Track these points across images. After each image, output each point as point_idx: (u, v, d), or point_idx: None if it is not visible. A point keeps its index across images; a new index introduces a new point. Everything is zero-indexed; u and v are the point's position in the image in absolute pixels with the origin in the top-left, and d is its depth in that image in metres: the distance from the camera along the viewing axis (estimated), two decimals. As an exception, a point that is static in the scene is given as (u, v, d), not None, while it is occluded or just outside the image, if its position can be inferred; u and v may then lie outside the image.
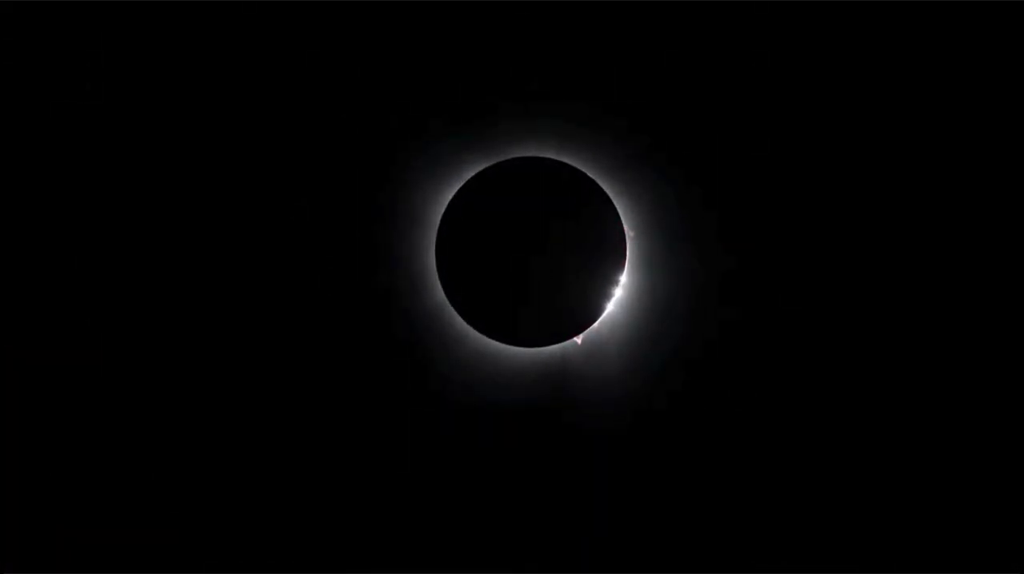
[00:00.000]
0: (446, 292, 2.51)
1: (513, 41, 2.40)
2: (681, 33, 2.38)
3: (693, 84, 2.40)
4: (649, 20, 2.37)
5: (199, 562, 2.47)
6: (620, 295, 2.51)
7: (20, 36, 2.40)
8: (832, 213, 2.41)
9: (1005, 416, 2.41)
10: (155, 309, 2.46)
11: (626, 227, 2.49)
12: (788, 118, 2.40)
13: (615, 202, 2.49)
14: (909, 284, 2.41)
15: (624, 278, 2.50)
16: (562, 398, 2.50)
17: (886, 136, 2.40)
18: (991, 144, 2.39)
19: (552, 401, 2.50)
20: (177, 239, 2.45)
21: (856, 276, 2.42)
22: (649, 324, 2.48)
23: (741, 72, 2.39)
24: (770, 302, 2.43)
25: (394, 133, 2.46)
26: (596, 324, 2.51)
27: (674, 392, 2.47)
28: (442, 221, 2.51)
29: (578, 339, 2.52)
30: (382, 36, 2.40)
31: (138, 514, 2.48)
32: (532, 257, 2.49)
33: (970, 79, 2.38)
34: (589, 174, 2.49)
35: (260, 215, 2.46)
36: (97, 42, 2.41)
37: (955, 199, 2.40)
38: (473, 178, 2.51)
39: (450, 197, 2.51)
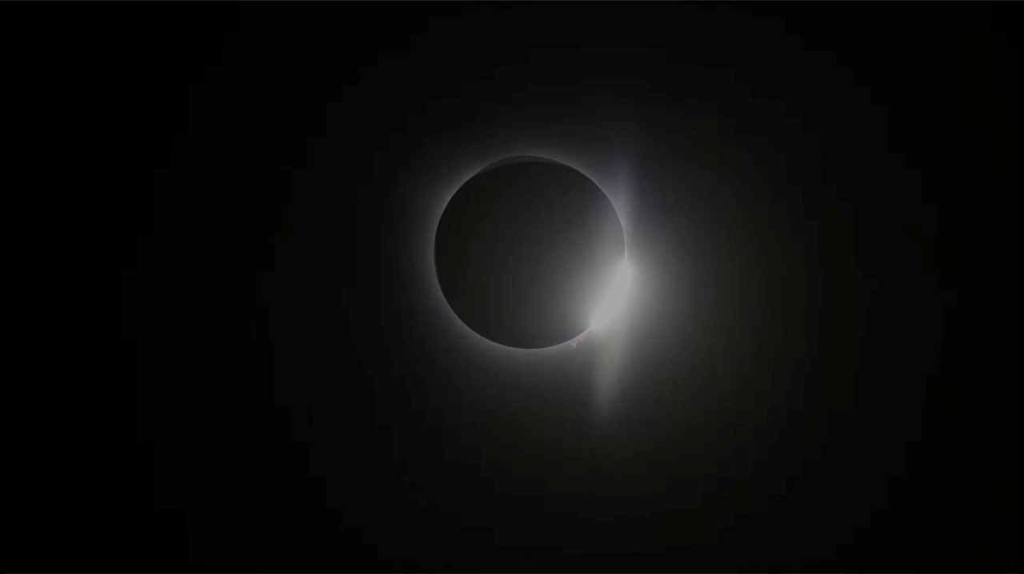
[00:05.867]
0: (444, 293, 2.51)
1: (513, 40, 2.41)
2: (680, 31, 2.40)
3: (691, 81, 2.41)
4: (647, 19, 2.39)
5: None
6: (619, 295, 2.51)
7: None
8: (833, 211, 2.44)
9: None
10: (149, 309, 2.42)
11: (624, 228, 2.50)
12: (786, 115, 2.42)
13: (613, 203, 2.50)
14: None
15: (623, 278, 2.51)
16: (562, 400, 2.50)
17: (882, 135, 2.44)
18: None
19: (552, 403, 2.50)
20: (172, 238, 2.42)
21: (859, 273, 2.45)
22: (649, 325, 2.49)
23: (737, 68, 2.41)
24: (772, 301, 2.44)
25: (392, 132, 2.45)
26: (595, 325, 2.51)
27: (675, 392, 2.47)
28: (441, 221, 2.51)
29: (575, 341, 2.52)
30: (379, 33, 2.40)
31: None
32: (530, 258, 2.49)
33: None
34: (587, 175, 2.50)
35: (255, 215, 2.44)
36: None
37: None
38: (472, 179, 2.51)
39: (449, 197, 2.51)
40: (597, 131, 2.45)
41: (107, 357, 2.41)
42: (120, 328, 2.41)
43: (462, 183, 2.51)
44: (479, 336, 2.51)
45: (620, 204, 2.48)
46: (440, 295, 2.51)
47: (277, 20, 2.37)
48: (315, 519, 2.48)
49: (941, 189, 2.40)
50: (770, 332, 2.44)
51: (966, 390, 2.41)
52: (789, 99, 2.41)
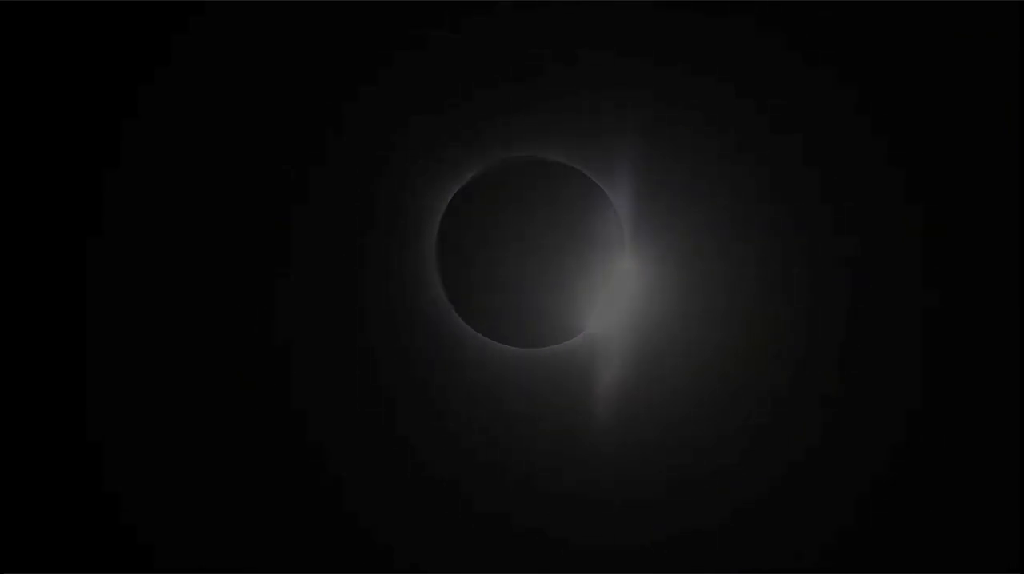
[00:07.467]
0: (445, 293, 2.51)
1: (515, 40, 2.42)
2: (681, 35, 2.41)
3: (693, 83, 2.43)
4: (650, 23, 2.40)
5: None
6: (619, 295, 2.52)
7: None
8: (829, 210, 2.45)
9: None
10: (161, 310, 2.43)
11: (625, 227, 2.51)
12: (785, 116, 2.43)
13: (614, 202, 2.51)
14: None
15: (623, 278, 2.51)
16: (562, 398, 2.50)
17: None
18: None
19: (552, 401, 2.50)
20: (172, 242, 2.43)
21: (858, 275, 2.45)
22: (648, 324, 2.49)
23: (738, 71, 2.42)
24: (770, 301, 2.45)
25: (392, 132, 2.46)
26: (595, 325, 2.52)
27: (674, 390, 2.47)
28: (442, 221, 2.51)
29: (579, 339, 2.52)
30: (381, 33, 2.41)
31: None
32: (531, 257, 2.49)
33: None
34: (588, 174, 2.51)
35: (255, 215, 2.44)
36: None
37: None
38: (473, 178, 2.52)
39: (449, 197, 2.52)
40: (598, 131, 2.46)
41: (117, 359, 2.42)
42: (133, 329, 2.42)
43: (462, 183, 2.52)
44: (480, 335, 2.51)
45: (620, 203, 2.49)
46: (441, 294, 2.51)
47: (291, 21, 2.38)
48: (326, 520, 2.48)
49: (941, 189, 2.41)
50: (768, 331, 2.45)
51: (962, 390, 2.42)
52: (789, 101, 2.42)
